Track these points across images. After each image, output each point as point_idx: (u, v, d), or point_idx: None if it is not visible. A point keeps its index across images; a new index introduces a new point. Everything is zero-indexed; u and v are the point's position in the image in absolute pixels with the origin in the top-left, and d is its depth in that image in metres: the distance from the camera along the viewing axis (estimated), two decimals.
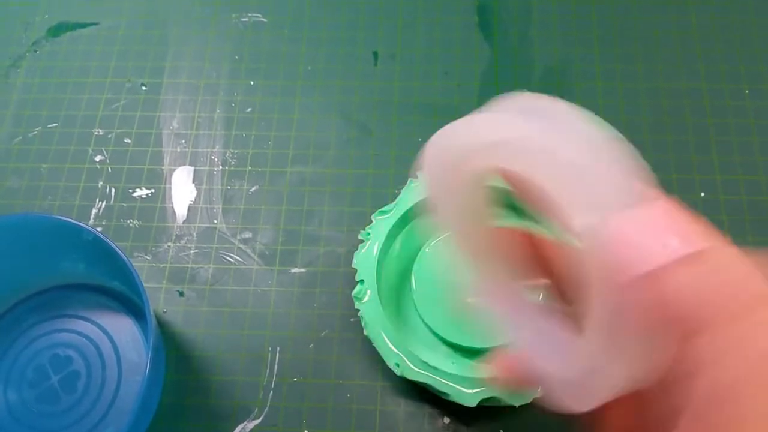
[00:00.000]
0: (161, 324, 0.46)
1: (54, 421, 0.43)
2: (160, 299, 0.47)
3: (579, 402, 0.23)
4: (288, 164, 0.50)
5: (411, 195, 0.44)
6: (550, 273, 0.27)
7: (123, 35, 0.56)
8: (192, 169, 0.51)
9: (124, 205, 0.50)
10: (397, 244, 0.45)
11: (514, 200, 0.44)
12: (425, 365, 0.39)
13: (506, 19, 0.54)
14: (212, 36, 0.56)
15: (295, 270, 0.47)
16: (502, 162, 0.24)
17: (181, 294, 0.47)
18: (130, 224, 0.49)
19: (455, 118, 0.51)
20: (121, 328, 0.46)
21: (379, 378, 0.44)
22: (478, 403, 0.38)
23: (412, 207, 0.44)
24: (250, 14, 0.56)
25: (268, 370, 0.44)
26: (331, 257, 0.47)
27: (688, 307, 0.20)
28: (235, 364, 0.45)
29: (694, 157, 0.48)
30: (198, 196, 0.50)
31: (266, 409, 0.43)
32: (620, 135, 0.25)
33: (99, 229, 0.49)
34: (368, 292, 0.42)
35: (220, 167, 0.51)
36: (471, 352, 0.42)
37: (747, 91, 0.51)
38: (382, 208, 0.44)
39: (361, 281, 0.42)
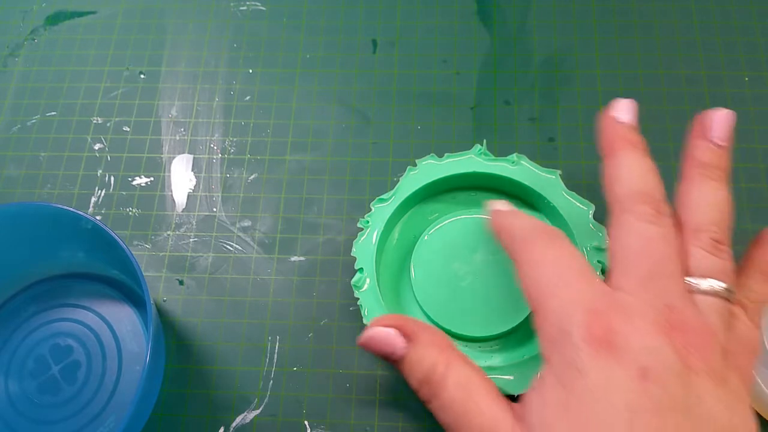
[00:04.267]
0: (161, 313, 0.46)
1: (55, 412, 0.43)
2: (159, 288, 0.47)
3: None
4: (287, 152, 0.50)
5: (409, 183, 0.44)
6: None
7: (121, 24, 0.56)
8: (191, 157, 0.51)
9: (124, 193, 0.50)
10: (396, 233, 0.45)
11: (518, 191, 0.45)
12: None
13: (505, 7, 0.54)
14: (211, 24, 0.56)
15: (294, 258, 0.47)
16: None
17: (181, 283, 0.47)
18: (130, 213, 0.49)
19: (454, 106, 0.51)
20: (121, 317, 0.46)
21: (379, 367, 0.44)
22: None
23: (411, 195, 0.44)
24: (248, 2, 0.56)
25: (267, 360, 0.44)
26: (330, 245, 0.47)
27: None
28: (235, 353, 0.45)
29: None
30: (197, 184, 0.50)
31: (266, 399, 0.43)
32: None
33: (98, 217, 0.49)
34: (367, 280, 0.42)
35: (219, 155, 0.51)
36: (470, 341, 0.42)
37: (746, 79, 0.50)
38: (381, 196, 0.44)
39: (360, 269, 0.42)
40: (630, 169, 0.34)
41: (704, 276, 0.31)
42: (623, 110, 0.36)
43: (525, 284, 0.33)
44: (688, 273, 0.32)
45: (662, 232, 0.32)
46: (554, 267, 0.32)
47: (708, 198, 0.33)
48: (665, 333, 0.29)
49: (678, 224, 0.33)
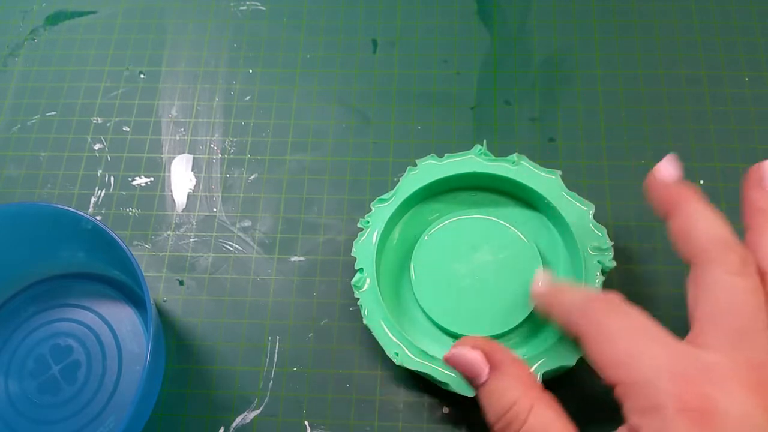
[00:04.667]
0: (161, 313, 0.46)
1: (55, 412, 0.43)
2: (159, 288, 0.47)
3: None
4: (287, 152, 0.50)
5: (410, 183, 0.44)
6: None
7: (121, 24, 0.56)
8: (191, 157, 0.51)
9: (124, 193, 0.50)
10: (396, 233, 0.45)
11: (518, 192, 0.45)
12: (425, 355, 0.39)
13: (506, 7, 0.54)
14: (211, 24, 0.56)
15: (294, 258, 0.47)
16: None
17: (181, 283, 0.47)
18: (130, 213, 0.49)
19: (454, 106, 0.51)
20: (122, 317, 0.46)
21: (379, 367, 0.44)
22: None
23: (411, 195, 0.44)
24: (248, 2, 0.56)
25: (267, 360, 0.44)
26: (330, 245, 0.47)
27: None
28: (235, 353, 0.45)
29: (694, 145, 0.48)
30: (197, 184, 0.50)
31: (266, 399, 0.43)
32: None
33: (98, 217, 0.49)
34: (367, 280, 0.42)
35: (219, 155, 0.51)
36: None
37: (747, 79, 0.50)
38: (381, 196, 0.44)
39: (361, 270, 0.42)
40: (707, 218, 0.33)
41: None
42: (669, 171, 0.35)
43: (599, 359, 0.31)
44: None
45: (751, 284, 0.31)
46: (628, 337, 0.31)
47: None
48: (760, 395, 0.28)
49: (760, 273, 0.32)
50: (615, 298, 0.33)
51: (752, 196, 0.34)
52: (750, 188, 0.34)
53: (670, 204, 0.34)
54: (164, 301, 0.46)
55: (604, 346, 0.31)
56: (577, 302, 0.34)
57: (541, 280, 0.37)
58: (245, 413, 0.43)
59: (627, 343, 0.30)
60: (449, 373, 0.39)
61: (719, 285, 0.31)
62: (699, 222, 0.33)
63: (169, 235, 0.48)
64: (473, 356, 0.34)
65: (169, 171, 0.50)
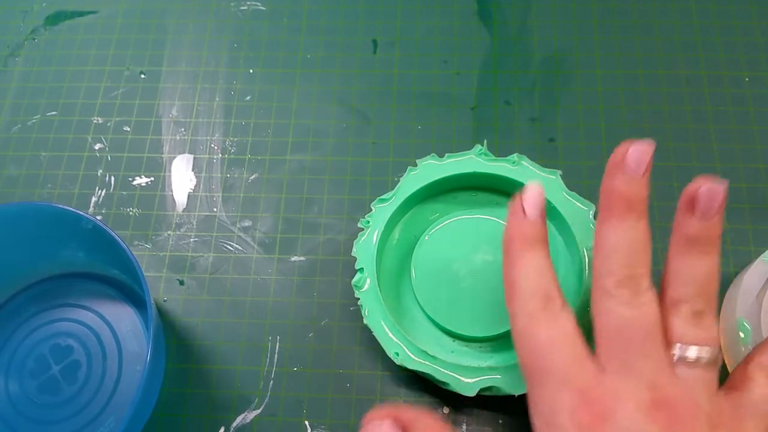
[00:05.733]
0: (161, 313, 0.46)
1: (56, 412, 0.43)
2: (160, 288, 0.47)
3: None
4: (287, 152, 0.50)
5: (410, 183, 0.44)
6: None
7: (121, 24, 0.56)
8: (191, 157, 0.51)
9: (124, 193, 0.50)
10: (396, 233, 0.45)
11: (515, 190, 0.45)
12: (425, 354, 0.39)
13: (505, 7, 0.54)
14: (211, 24, 0.56)
15: (294, 258, 0.47)
16: None
17: (182, 283, 0.47)
18: (130, 212, 0.49)
19: (454, 107, 0.51)
20: (122, 317, 0.46)
21: (379, 367, 0.44)
22: (478, 393, 0.39)
23: (412, 195, 0.44)
24: (249, 2, 0.56)
25: (268, 360, 0.44)
26: (330, 245, 0.47)
27: None
28: (236, 353, 0.45)
29: (694, 145, 0.48)
30: (197, 184, 0.50)
31: (266, 399, 0.43)
32: None
33: (99, 217, 0.49)
34: (368, 280, 0.42)
35: (220, 155, 0.51)
36: (470, 341, 0.42)
37: (747, 79, 0.50)
38: (382, 196, 0.44)
39: (361, 269, 0.42)
40: (617, 242, 0.33)
41: (688, 344, 0.32)
42: (635, 166, 0.34)
43: (522, 356, 0.34)
44: (672, 342, 0.32)
45: (639, 313, 0.32)
46: (551, 346, 0.33)
47: (690, 271, 0.33)
48: (649, 414, 0.30)
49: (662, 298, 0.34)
50: (560, 303, 0.34)
51: (679, 218, 0.34)
52: (679, 210, 0.34)
53: (606, 207, 0.34)
54: (164, 301, 0.46)
55: (528, 346, 0.33)
56: (526, 293, 0.34)
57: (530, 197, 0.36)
58: (245, 413, 0.43)
59: (549, 351, 0.32)
60: (449, 373, 0.39)
61: (610, 314, 0.32)
62: (611, 242, 0.33)
63: (169, 234, 0.48)
64: (382, 426, 0.34)
65: (170, 171, 0.50)
